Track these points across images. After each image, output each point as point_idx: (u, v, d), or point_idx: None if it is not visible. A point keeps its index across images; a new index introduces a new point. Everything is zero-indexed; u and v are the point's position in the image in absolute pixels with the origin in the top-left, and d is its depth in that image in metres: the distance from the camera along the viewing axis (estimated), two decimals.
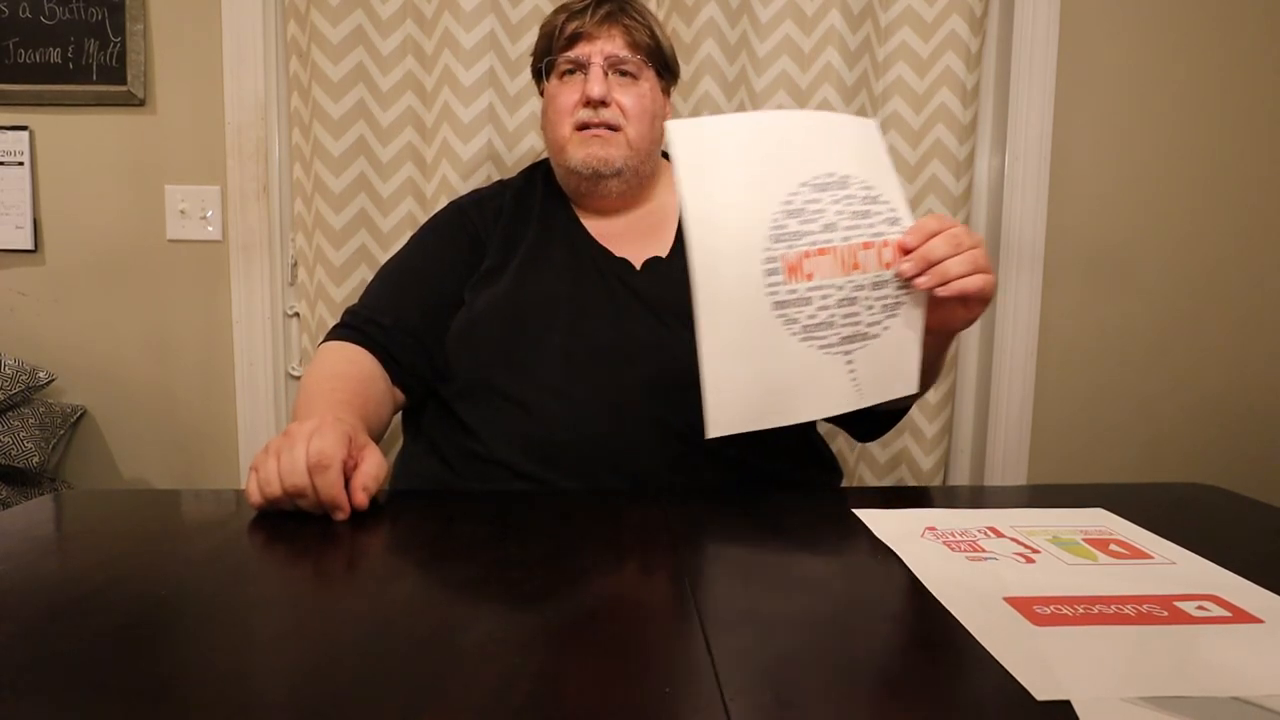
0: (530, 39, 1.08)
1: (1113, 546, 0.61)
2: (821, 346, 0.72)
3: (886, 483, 1.49)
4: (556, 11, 1.02)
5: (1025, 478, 1.53)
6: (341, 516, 0.65)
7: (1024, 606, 0.49)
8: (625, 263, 0.96)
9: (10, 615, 0.48)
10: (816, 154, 0.72)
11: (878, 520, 0.67)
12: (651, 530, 0.65)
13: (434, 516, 0.70)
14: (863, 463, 1.51)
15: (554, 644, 0.45)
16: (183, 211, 1.49)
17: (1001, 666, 0.42)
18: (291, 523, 0.65)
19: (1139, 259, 1.51)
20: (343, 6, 1.38)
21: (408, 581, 0.55)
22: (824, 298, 0.71)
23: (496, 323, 0.92)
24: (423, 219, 1.21)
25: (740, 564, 0.58)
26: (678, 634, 0.46)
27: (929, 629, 0.47)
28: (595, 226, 1.00)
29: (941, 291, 0.72)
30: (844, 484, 1.10)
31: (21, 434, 1.35)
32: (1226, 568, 0.56)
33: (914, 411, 1.41)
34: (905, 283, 0.72)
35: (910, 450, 1.48)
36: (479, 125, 1.39)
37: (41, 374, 1.43)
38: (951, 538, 0.62)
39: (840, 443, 1.48)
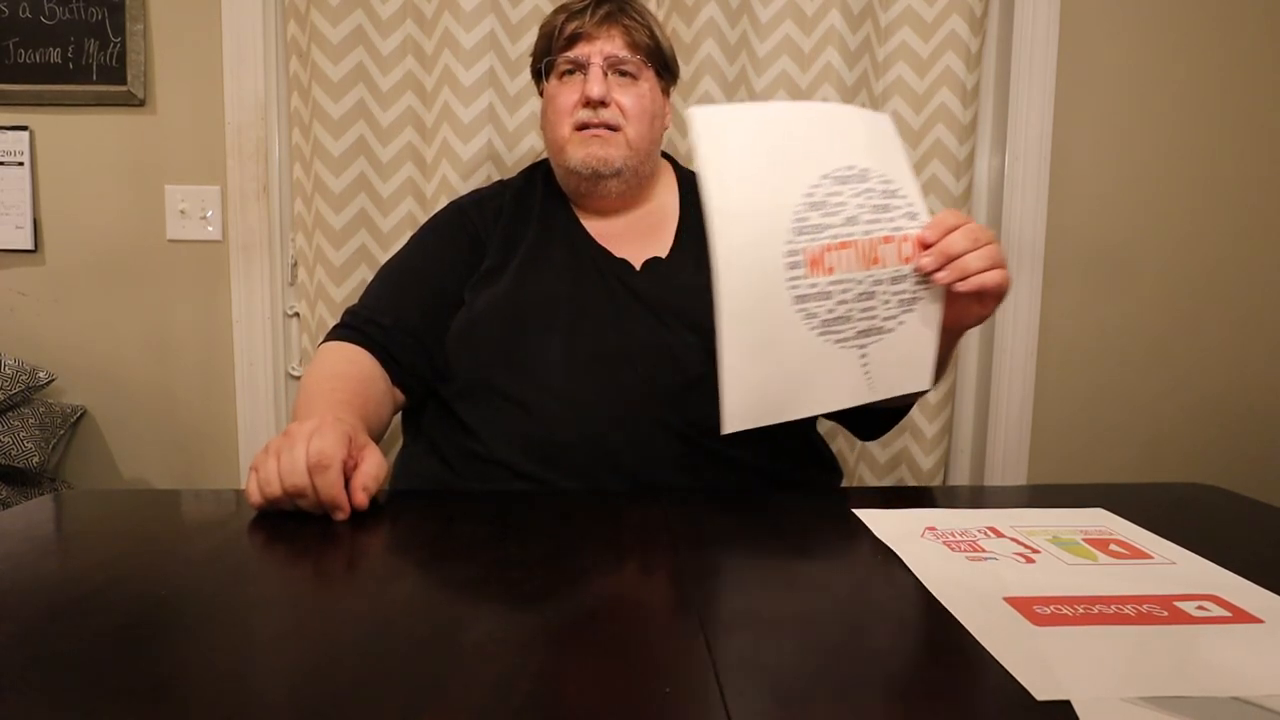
0: (530, 39, 1.08)
1: (1113, 546, 0.61)
2: (837, 341, 0.71)
3: (886, 483, 1.49)
4: (556, 12, 1.01)
5: (1025, 478, 1.53)
6: (341, 516, 0.65)
7: (1024, 606, 0.49)
8: (625, 263, 0.96)
9: (10, 615, 0.47)
10: (836, 146, 0.71)
11: (878, 520, 0.67)
12: (651, 530, 0.65)
13: (434, 516, 0.70)
14: (863, 463, 1.51)
15: (554, 644, 0.45)
16: (183, 211, 1.49)
17: (1001, 666, 0.42)
18: (291, 523, 0.65)
19: (1139, 259, 1.51)
20: (343, 6, 1.38)
21: (408, 581, 0.55)
22: (844, 292, 0.70)
23: (496, 323, 0.92)
24: (423, 219, 1.21)
25: (740, 564, 0.58)
26: (678, 634, 0.46)
27: (929, 629, 0.47)
28: (595, 227, 1.00)
29: (961, 287, 0.72)
30: (844, 484, 1.10)
31: (21, 434, 1.35)
32: (1226, 568, 0.56)
33: (914, 411, 1.41)
34: (924, 278, 0.72)
35: (910, 450, 1.48)
36: (479, 125, 1.39)
37: (41, 374, 1.43)
38: (951, 538, 0.62)
39: (840, 443, 1.48)
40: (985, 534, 0.63)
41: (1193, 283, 1.52)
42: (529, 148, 1.42)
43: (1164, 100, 1.49)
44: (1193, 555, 0.59)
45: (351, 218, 1.42)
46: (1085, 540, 0.62)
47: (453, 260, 0.99)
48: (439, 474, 0.90)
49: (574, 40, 0.98)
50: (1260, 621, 0.48)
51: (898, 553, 0.59)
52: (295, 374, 1.53)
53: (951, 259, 0.71)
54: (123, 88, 1.46)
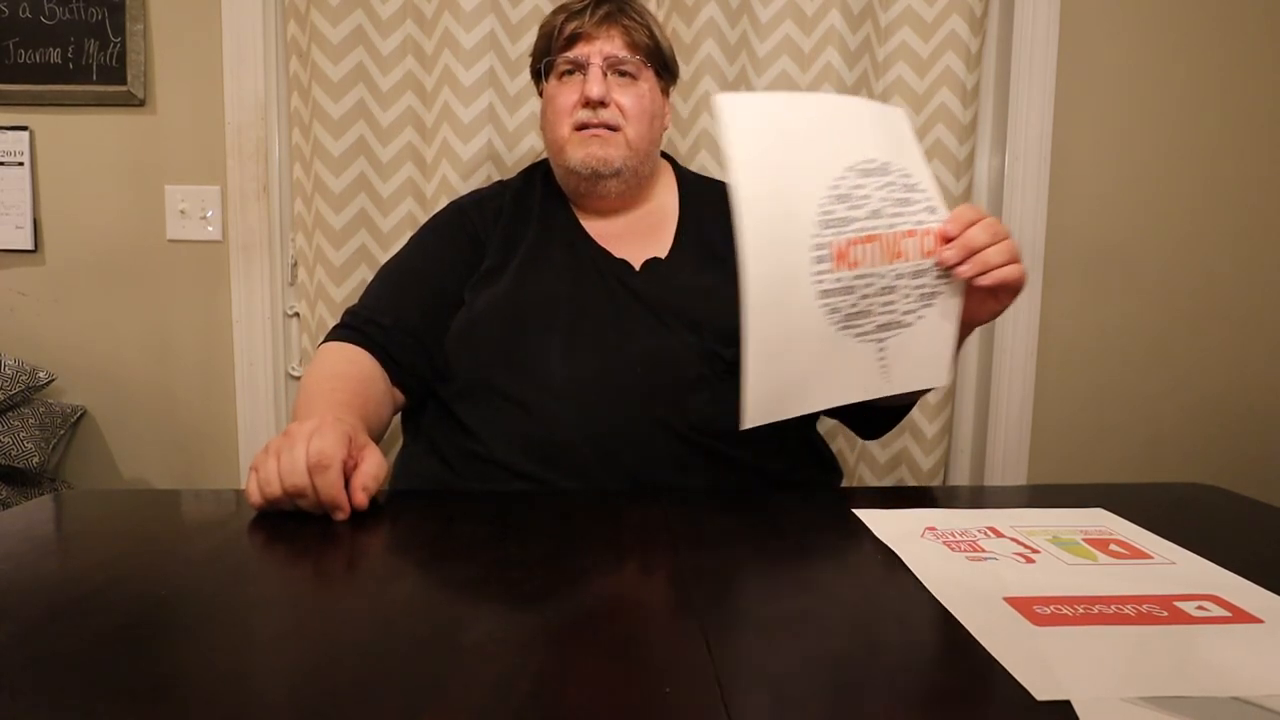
0: (530, 39, 1.08)
1: (1113, 546, 0.61)
2: (857, 335, 0.71)
3: (886, 483, 1.49)
4: (555, 12, 1.01)
5: (1025, 478, 1.53)
6: (341, 516, 0.65)
7: (1024, 606, 0.49)
8: (624, 264, 0.96)
9: (10, 615, 0.47)
10: (856, 138, 0.71)
11: (878, 520, 0.67)
12: (651, 530, 0.65)
13: (434, 516, 0.70)
14: (863, 463, 1.51)
15: (554, 644, 0.45)
16: (183, 211, 1.49)
17: (1001, 666, 0.42)
18: (291, 523, 0.65)
19: (1139, 259, 1.51)
20: (343, 6, 1.38)
21: (408, 581, 0.55)
22: (866, 286, 0.70)
23: (496, 323, 0.92)
24: (423, 219, 1.21)
25: (740, 564, 0.58)
26: (678, 634, 0.46)
27: (929, 629, 0.47)
28: (594, 227, 1.00)
29: (982, 281, 0.72)
30: (844, 484, 1.10)
31: (21, 434, 1.35)
32: (1226, 568, 0.56)
33: (914, 411, 1.41)
34: (944, 272, 0.72)
35: (910, 450, 1.48)
36: (479, 125, 1.39)
37: (41, 374, 1.43)
38: (951, 538, 0.62)
39: (840, 443, 1.48)
40: (985, 534, 0.63)
41: (1193, 283, 1.52)
42: (529, 148, 1.42)
43: (1164, 100, 1.49)
44: (1193, 555, 0.59)
45: (351, 218, 1.42)
46: (1085, 540, 0.62)
47: (453, 260, 0.99)
48: (439, 474, 0.90)
49: (573, 40, 0.98)
50: (1260, 621, 0.48)
51: (898, 553, 0.59)
52: (295, 374, 1.53)
53: (974, 252, 0.71)
54: (123, 88, 1.46)
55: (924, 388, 0.77)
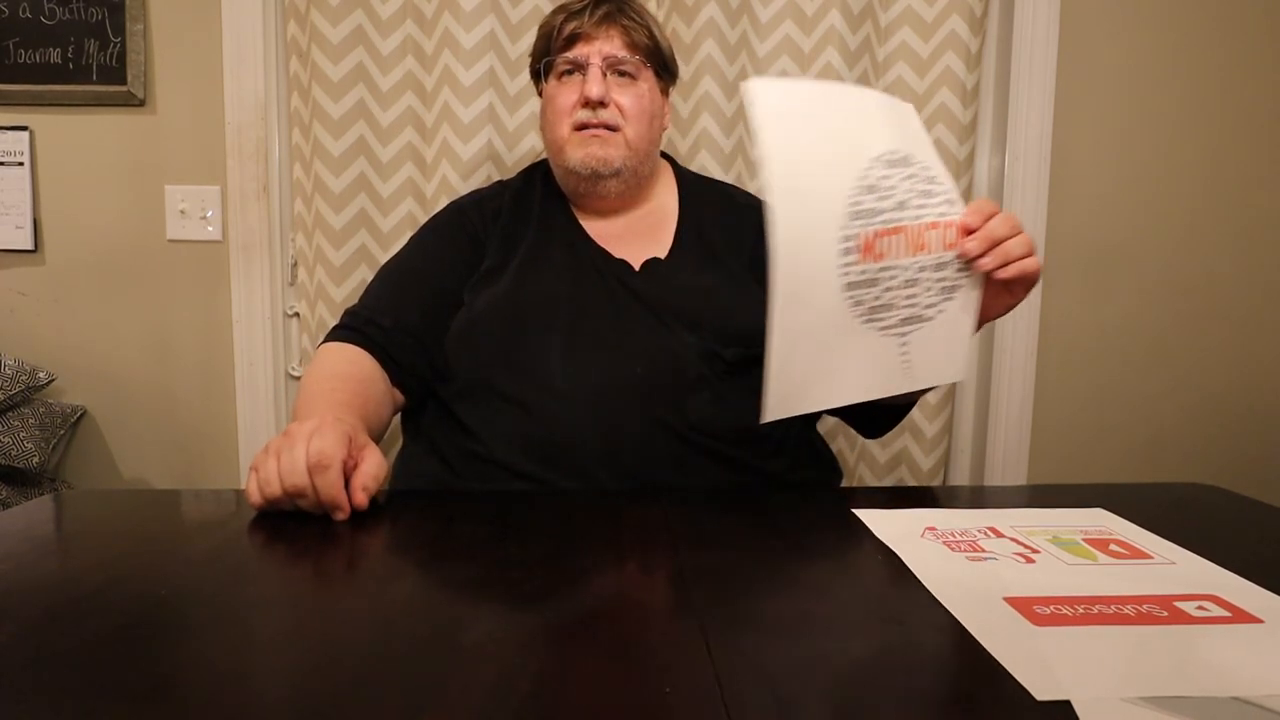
0: (530, 39, 1.08)
1: (1113, 546, 0.61)
2: (881, 329, 0.71)
3: (886, 483, 1.49)
4: (555, 12, 1.01)
5: (1025, 478, 1.53)
6: (341, 516, 0.65)
7: (1024, 606, 0.49)
8: (624, 264, 0.96)
9: (10, 615, 0.47)
10: (882, 129, 0.70)
11: (878, 520, 0.67)
12: (651, 530, 0.65)
13: (434, 516, 0.70)
14: (863, 463, 1.51)
15: (554, 644, 0.45)
16: (183, 211, 1.49)
17: (1001, 666, 0.42)
18: (291, 523, 0.65)
19: (1139, 259, 1.51)
20: (343, 6, 1.38)
21: (408, 581, 0.55)
22: (891, 279, 0.69)
23: (496, 323, 0.92)
24: (423, 219, 1.21)
25: (740, 564, 0.58)
26: (678, 634, 0.46)
27: (929, 629, 0.47)
28: (594, 227, 1.00)
29: (1002, 273, 0.72)
30: (844, 484, 1.10)
31: (21, 434, 1.35)
32: (1226, 568, 0.56)
33: (914, 411, 1.41)
34: (965, 265, 0.72)
35: (910, 450, 1.48)
36: (479, 125, 1.39)
37: (41, 374, 1.43)
38: (951, 538, 0.62)
39: (840, 443, 1.48)
40: (985, 534, 0.63)
41: (1193, 282, 1.52)
42: (529, 148, 1.42)
43: (1164, 100, 1.49)
44: (1193, 555, 0.59)
45: (351, 218, 1.42)
46: (1085, 540, 0.62)
47: (453, 260, 0.99)
48: (439, 474, 0.90)
49: (573, 40, 0.98)
50: (1260, 621, 0.48)
51: (898, 553, 0.59)
52: (295, 374, 1.53)
53: (995, 244, 0.71)
54: (123, 88, 1.46)
55: (943, 383, 0.77)
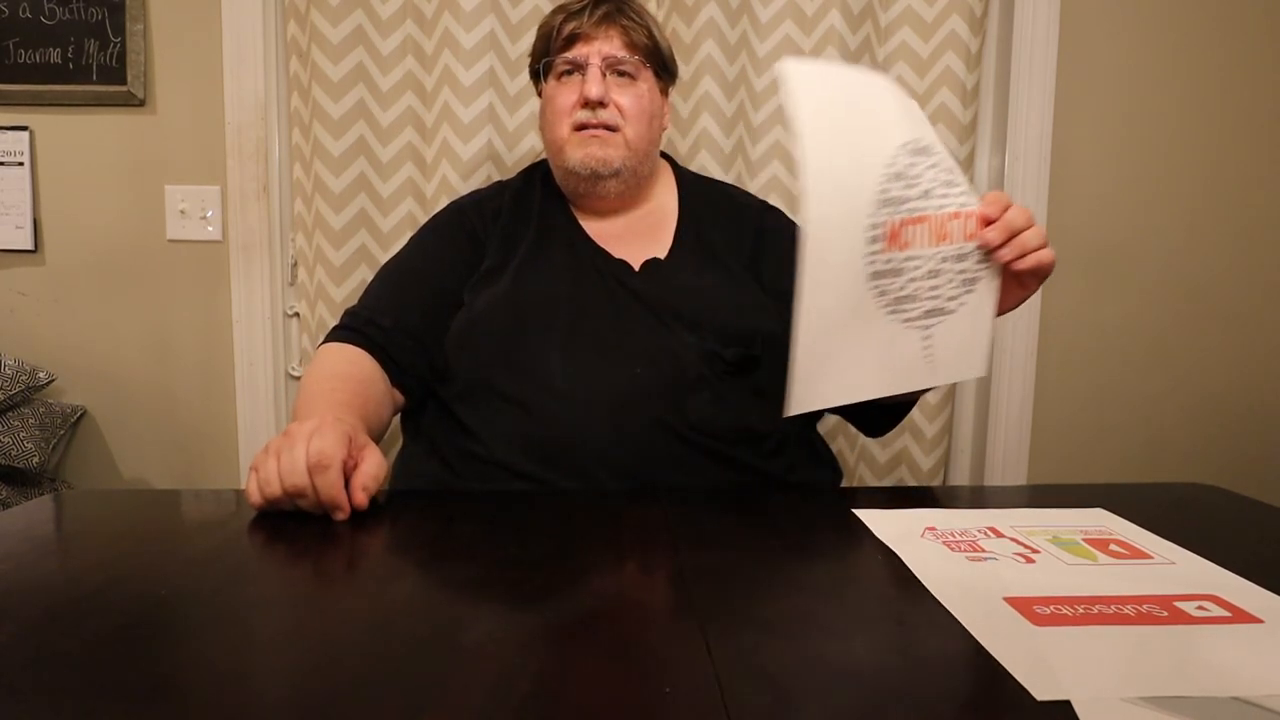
0: (530, 39, 1.08)
1: (1113, 546, 0.61)
2: (904, 321, 0.70)
3: (886, 483, 1.49)
4: (554, 12, 1.01)
5: (1025, 478, 1.53)
6: (341, 516, 0.65)
7: (1024, 606, 0.49)
8: (624, 264, 0.96)
9: (10, 615, 0.47)
10: (904, 117, 0.70)
11: (878, 520, 0.67)
12: (651, 530, 0.65)
13: (434, 516, 0.70)
14: (863, 463, 1.51)
15: (554, 644, 0.45)
16: (183, 211, 1.49)
17: (1001, 666, 0.42)
18: (291, 523, 0.65)
19: (1139, 259, 1.51)
20: (343, 6, 1.38)
21: (408, 581, 0.55)
22: (914, 269, 0.69)
23: (496, 323, 0.92)
24: (423, 219, 1.21)
25: (740, 564, 0.58)
26: (678, 634, 0.46)
27: (929, 629, 0.47)
28: (593, 227, 1.00)
29: (1020, 264, 0.72)
30: (844, 484, 1.10)
31: (21, 434, 1.35)
32: (1226, 568, 0.56)
33: (914, 411, 1.41)
34: (984, 256, 0.71)
35: (910, 450, 1.48)
36: (479, 125, 1.39)
37: (41, 374, 1.43)
38: (951, 538, 0.62)
39: (840, 443, 1.48)
40: (985, 534, 0.63)
41: (1193, 283, 1.52)
42: (529, 148, 1.42)
43: (1164, 100, 1.49)
44: (1193, 555, 0.59)
45: (351, 218, 1.42)
46: (1085, 540, 0.62)
47: (452, 261, 0.99)
48: (439, 475, 0.90)
49: (572, 41, 0.98)
50: (1260, 621, 0.48)
51: (898, 553, 0.59)
52: (295, 374, 1.53)
53: (1014, 234, 0.71)
54: (123, 88, 1.46)
55: (965, 379, 0.77)
